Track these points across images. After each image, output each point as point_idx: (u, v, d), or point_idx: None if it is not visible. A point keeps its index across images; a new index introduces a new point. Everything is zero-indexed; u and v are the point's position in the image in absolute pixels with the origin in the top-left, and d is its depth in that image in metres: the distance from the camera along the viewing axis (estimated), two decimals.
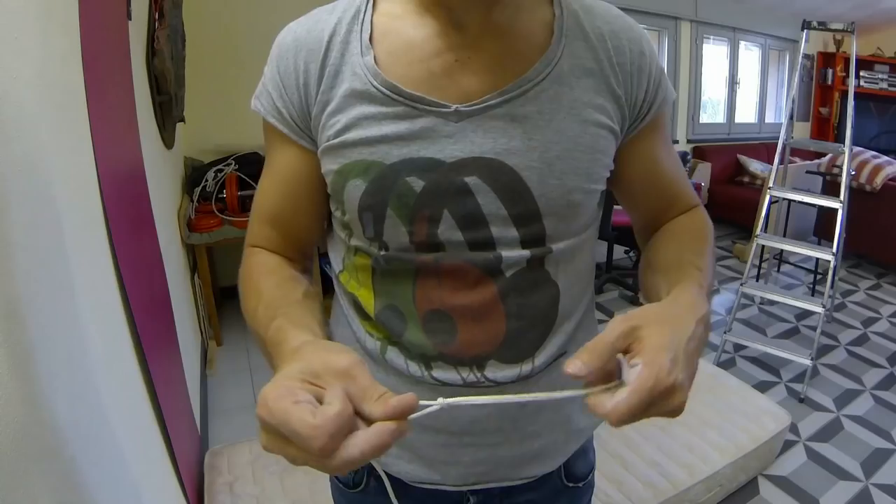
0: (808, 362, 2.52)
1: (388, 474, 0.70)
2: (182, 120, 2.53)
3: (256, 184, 0.72)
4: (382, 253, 0.62)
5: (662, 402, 0.43)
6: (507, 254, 0.61)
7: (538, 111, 0.59)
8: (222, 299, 2.98)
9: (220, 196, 2.68)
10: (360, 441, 0.38)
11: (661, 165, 0.70)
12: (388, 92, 0.58)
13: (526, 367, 0.64)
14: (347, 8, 0.62)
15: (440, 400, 0.42)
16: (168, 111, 2.08)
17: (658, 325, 0.46)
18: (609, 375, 0.44)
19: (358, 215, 0.61)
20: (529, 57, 0.60)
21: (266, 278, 0.63)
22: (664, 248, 0.68)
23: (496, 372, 0.64)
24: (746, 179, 5.07)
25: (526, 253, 0.61)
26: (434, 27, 0.59)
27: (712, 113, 5.61)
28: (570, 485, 0.76)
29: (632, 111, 0.64)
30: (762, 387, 2.54)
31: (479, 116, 0.58)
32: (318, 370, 0.41)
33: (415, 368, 0.64)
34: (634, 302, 3.49)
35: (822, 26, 2.65)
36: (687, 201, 0.74)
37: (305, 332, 0.51)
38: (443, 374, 0.64)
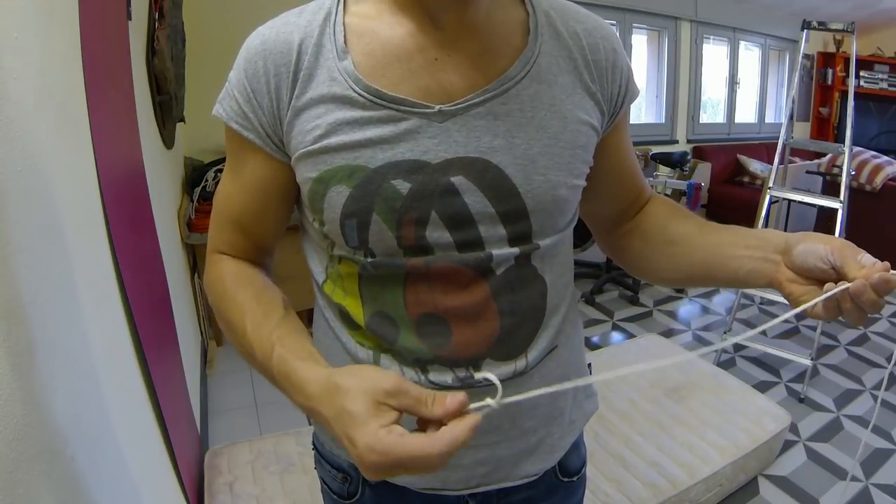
0: (808, 362, 2.52)
1: (386, 482, 0.70)
2: (182, 120, 2.53)
3: None
4: (369, 260, 0.61)
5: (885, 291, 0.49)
6: (497, 252, 0.60)
7: (519, 109, 0.59)
8: None
9: None
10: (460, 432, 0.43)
11: (630, 157, 0.73)
12: (370, 97, 0.57)
13: (520, 364, 0.65)
14: (317, 10, 0.61)
15: (489, 401, 0.47)
16: (168, 111, 2.08)
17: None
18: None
19: (340, 224, 0.59)
20: (507, 55, 0.60)
21: (243, 291, 0.63)
22: (680, 224, 0.69)
23: (492, 370, 0.63)
24: (746, 179, 5.07)
25: (514, 250, 0.61)
26: (411, 25, 0.59)
27: (712, 113, 5.60)
28: (565, 480, 0.77)
29: (609, 107, 0.65)
30: (762, 387, 2.54)
31: (462, 116, 0.58)
32: (376, 398, 0.45)
33: (410, 374, 0.64)
34: (634, 302, 3.49)
35: (822, 26, 2.65)
36: (648, 191, 0.77)
37: (310, 362, 0.53)
38: (439, 377, 0.63)
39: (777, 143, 2.76)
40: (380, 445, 0.42)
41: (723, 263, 0.62)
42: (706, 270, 0.65)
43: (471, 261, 0.60)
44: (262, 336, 0.57)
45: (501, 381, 0.64)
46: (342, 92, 0.57)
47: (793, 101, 2.80)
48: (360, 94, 0.57)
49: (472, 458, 0.67)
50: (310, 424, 2.20)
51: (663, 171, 4.17)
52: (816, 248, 0.53)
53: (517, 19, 0.62)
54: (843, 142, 2.65)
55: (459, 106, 0.58)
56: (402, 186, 0.57)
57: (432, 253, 0.60)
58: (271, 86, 0.59)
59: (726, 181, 5.08)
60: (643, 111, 5.02)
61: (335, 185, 0.58)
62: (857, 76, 5.39)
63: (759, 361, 2.79)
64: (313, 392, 0.48)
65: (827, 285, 0.51)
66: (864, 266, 0.50)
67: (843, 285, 0.50)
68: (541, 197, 0.60)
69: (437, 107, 0.57)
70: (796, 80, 2.77)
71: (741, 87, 5.51)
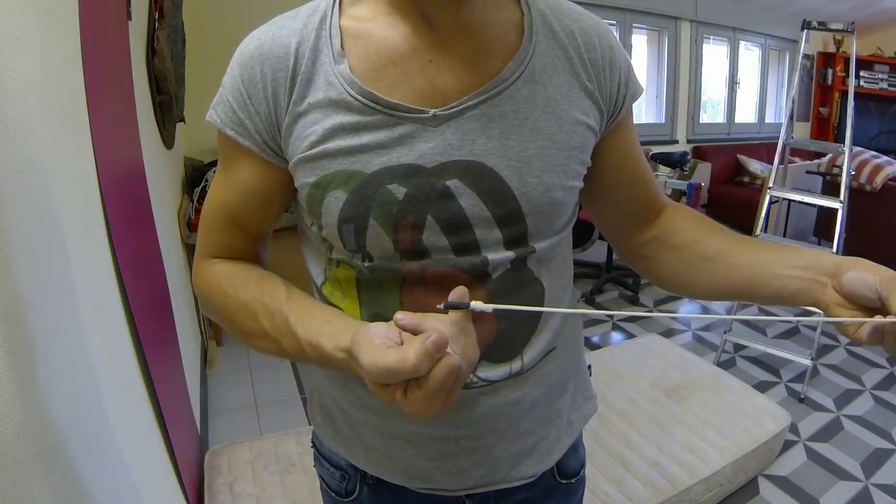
0: (808, 362, 2.52)
1: (383, 481, 0.70)
2: (182, 120, 2.53)
3: None
4: (366, 264, 0.61)
5: None
6: (493, 256, 0.60)
7: (513, 110, 0.59)
8: None
9: None
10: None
11: (637, 158, 0.72)
12: (365, 101, 0.57)
13: (516, 365, 0.65)
14: (311, 13, 0.60)
15: (474, 303, 0.49)
16: (168, 111, 2.08)
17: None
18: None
19: (337, 228, 0.59)
20: (501, 56, 0.60)
21: (244, 290, 0.62)
22: (715, 240, 0.68)
23: (487, 371, 0.64)
24: (746, 179, 5.07)
25: (510, 254, 0.61)
26: (406, 27, 0.58)
27: (712, 113, 5.61)
28: (563, 482, 0.76)
29: (608, 106, 0.65)
30: (762, 387, 2.54)
31: (456, 119, 0.58)
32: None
33: None
34: (634, 302, 3.49)
35: (822, 26, 2.65)
36: (663, 198, 0.75)
37: (340, 342, 0.53)
38: None
39: (777, 143, 2.76)
40: (433, 400, 0.45)
41: (767, 282, 0.61)
42: (747, 288, 0.64)
43: (466, 266, 0.60)
44: (279, 328, 0.58)
45: (497, 381, 0.65)
46: (338, 96, 0.57)
47: (793, 101, 2.80)
48: (355, 99, 0.57)
49: (469, 460, 0.66)
50: (309, 424, 2.20)
51: (663, 171, 4.17)
52: (867, 277, 0.53)
53: (512, 19, 0.62)
54: (843, 142, 2.65)
55: (453, 109, 0.58)
56: (398, 191, 0.57)
57: (429, 257, 0.60)
58: (268, 91, 0.58)
59: (726, 181, 5.09)
60: (643, 111, 5.03)
61: (332, 189, 0.58)
62: (857, 76, 5.40)
63: (759, 361, 2.79)
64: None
65: (877, 317, 0.52)
66: None
67: (892, 318, 0.51)
68: (536, 199, 0.60)
69: (432, 111, 0.57)
70: (796, 80, 2.77)
71: (741, 87, 5.51)
